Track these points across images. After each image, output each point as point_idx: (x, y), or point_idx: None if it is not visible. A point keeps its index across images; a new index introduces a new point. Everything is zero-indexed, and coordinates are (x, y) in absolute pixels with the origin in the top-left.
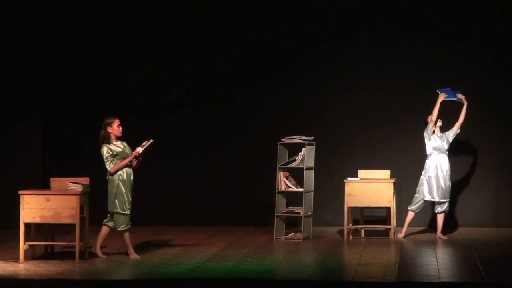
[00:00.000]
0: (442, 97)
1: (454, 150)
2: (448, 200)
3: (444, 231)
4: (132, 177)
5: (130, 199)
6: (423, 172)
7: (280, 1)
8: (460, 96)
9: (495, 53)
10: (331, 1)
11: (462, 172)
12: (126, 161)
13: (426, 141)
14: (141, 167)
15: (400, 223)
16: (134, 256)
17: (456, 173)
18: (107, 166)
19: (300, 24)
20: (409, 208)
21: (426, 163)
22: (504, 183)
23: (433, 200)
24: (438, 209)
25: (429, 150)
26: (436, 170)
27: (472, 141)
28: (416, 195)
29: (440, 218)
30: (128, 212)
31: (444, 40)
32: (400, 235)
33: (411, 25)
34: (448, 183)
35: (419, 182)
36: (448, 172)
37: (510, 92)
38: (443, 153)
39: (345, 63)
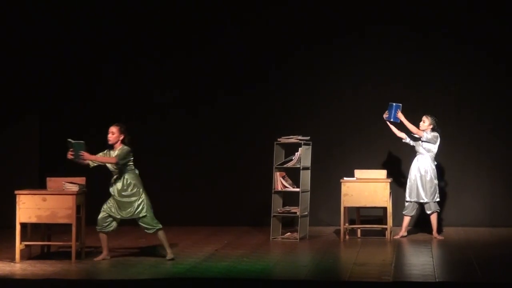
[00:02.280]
0: (384, 115)
1: (450, 151)
2: (433, 201)
3: (440, 231)
4: (119, 182)
5: (110, 202)
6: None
7: (275, 1)
8: (398, 115)
9: (494, 53)
10: (327, 1)
11: (458, 172)
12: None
13: None
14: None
15: (397, 223)
16: (99, 257)
17: (453, 173)
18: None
19: (296, 24)
20: (403, 213)
21: None
22: (501, 183)
23: (414, 201)
24: (427, 211)
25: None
26: (415, 171)
27: (469, 141)
28: None
29: (432, 219)
30: (103, 213)
31: (441, 40)
32: (396, 236)
33: (408, 24)
34: (430, 183)
35: None
36: (430, 173)
37: (507, 93)
38: (424, 155)
39: (342, 62)
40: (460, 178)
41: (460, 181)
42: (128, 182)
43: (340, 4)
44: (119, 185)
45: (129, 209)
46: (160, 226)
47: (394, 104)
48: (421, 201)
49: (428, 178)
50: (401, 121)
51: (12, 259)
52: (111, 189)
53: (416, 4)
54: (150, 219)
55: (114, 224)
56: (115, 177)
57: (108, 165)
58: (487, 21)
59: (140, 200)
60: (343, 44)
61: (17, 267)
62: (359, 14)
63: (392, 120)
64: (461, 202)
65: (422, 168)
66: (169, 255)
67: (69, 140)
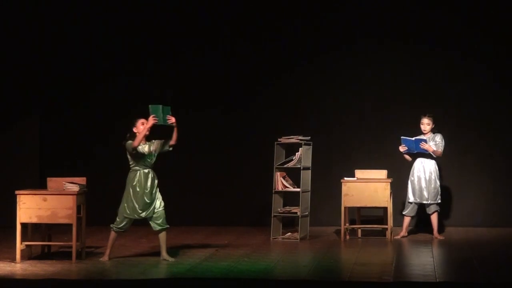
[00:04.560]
0: (402, 149)
1: (451, 150)
2: (435, 202)
3: (440, 231)
4: (150, 177)
5: (130, 202)
6: (410, 175)
7: (276, 4)
8: (423, 146)
9: (494, 54)
10: (327, 4)
11: (459, 172)
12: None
13: None
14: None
15: (397, 223)
16: (103, 258)
17: (453, 173)
18: (130, 144)
19: (297, 26)
20: (403, 213)
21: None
22: (501, 183)
23: (416, 202)
24: (428, 211)
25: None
26: (419, 172)
27: (469, 141)
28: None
29: (433, 219)
30: (128, 218)
31: (441, 40)
32: (397, 237)
33: (408, 25)
34: (434, 185)
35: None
36: (434, 174)
37: (507, 92)
38: (428, 155)
39: (342, 63)
40: (460, 178)
41: (460, 181)
42: (154, 177)
43: (341, 5)
44: (149, 181)
45: (152, 207)
46: (168, 226)
47: (413, 139)
48: (424, 202)
49: (432, 179)
50: (428, 151)
51: (12, 259)
52: (140, 187)
53: (416, 6)
54: (163, 217)
55: (130, 224)
56: (143, 172)
57: (149, 160)
58: (487, 21)
59: (160, 196)
60: (344, 44)
61: (17, 267)
62: (360, 15)
63: (412, 152)
64: (461, 202)
65: (427, 169)
66: (166, 257)
67: (153, 105)
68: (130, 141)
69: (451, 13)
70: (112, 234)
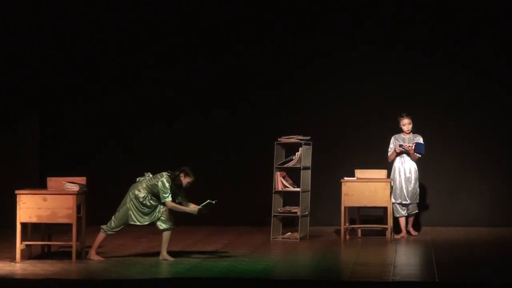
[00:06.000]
0: (398, 150)
1: (450, 151)
2: (415, 202)
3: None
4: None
5: (134, 210)
6: (390, 176)
7: (277, 5)
8: (404, 147)
9: (493, 53)
10: (328, 5)
11: (458, 172)
12: (182, 210)
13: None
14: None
15: (397, 222)
16: (93, 257)
17: (453, 173)
18: (166, 197)
19: (296, 27)
20: (396, 216)
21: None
22: (500, 183)
23: (401, 202)
24: (408, 211)
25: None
26: (399, 172)
27: (469, 141)
28: None
29: (410, 217)
30: (137, 223)
31: (440, 39)
32: (397, 236)
33: (408, 27)
34: (413, 185)
35: None
36: (414, 175)
37: (506, 92)
38: (408, 155)
39: (342, 63)
40: (460, 178)
41: (460, 181)
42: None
43: (342, 6)
44: (156, 200)
45: (157, 210)
46: (173, 227)
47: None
48: (404, 202)
49: (412, 180)
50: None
51: (12, 259)
52: (148, 204)
53: (416, 8)
54: (170, 219)
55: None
56: (153, 195)
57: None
58: (489, 24)
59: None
60: (344, 44)
61: (17, 267)
62: (361, 14)
63: (419, 151)
64: (461, 202)
65: (407, 170)
66: (166, 256)
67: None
68: (170, 200)
69: (451, 17)
70: (101, 236)
